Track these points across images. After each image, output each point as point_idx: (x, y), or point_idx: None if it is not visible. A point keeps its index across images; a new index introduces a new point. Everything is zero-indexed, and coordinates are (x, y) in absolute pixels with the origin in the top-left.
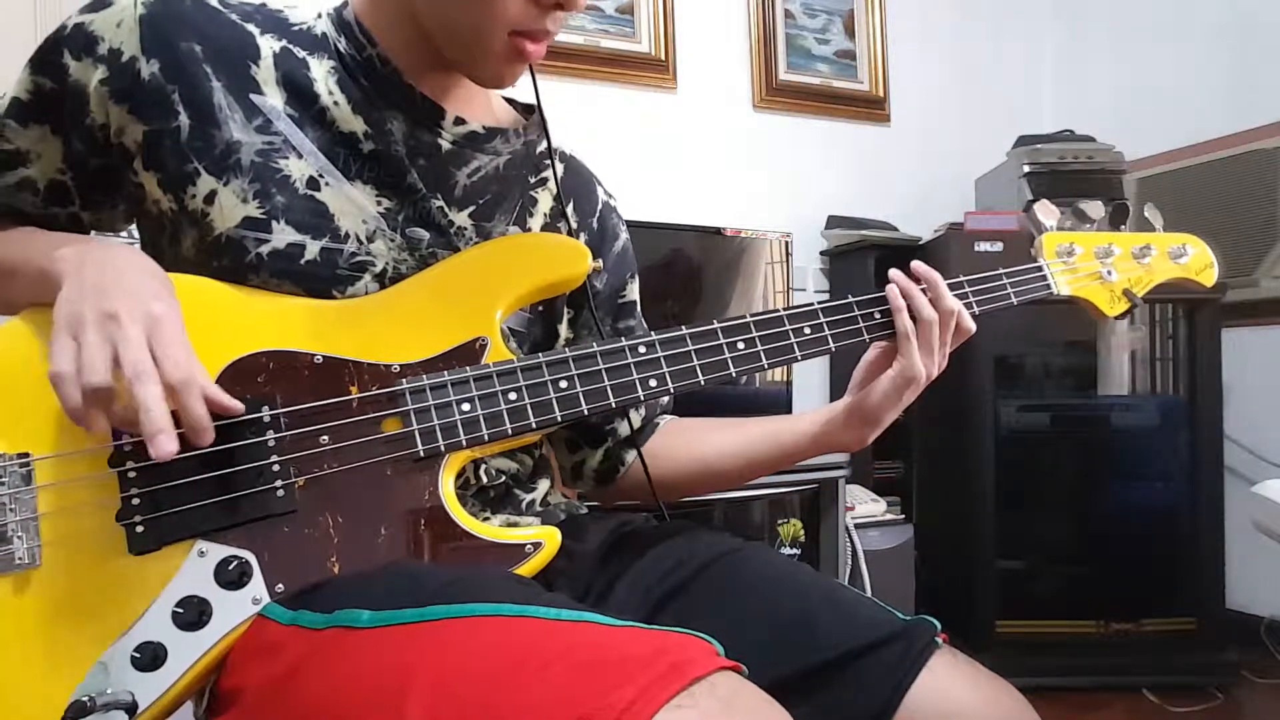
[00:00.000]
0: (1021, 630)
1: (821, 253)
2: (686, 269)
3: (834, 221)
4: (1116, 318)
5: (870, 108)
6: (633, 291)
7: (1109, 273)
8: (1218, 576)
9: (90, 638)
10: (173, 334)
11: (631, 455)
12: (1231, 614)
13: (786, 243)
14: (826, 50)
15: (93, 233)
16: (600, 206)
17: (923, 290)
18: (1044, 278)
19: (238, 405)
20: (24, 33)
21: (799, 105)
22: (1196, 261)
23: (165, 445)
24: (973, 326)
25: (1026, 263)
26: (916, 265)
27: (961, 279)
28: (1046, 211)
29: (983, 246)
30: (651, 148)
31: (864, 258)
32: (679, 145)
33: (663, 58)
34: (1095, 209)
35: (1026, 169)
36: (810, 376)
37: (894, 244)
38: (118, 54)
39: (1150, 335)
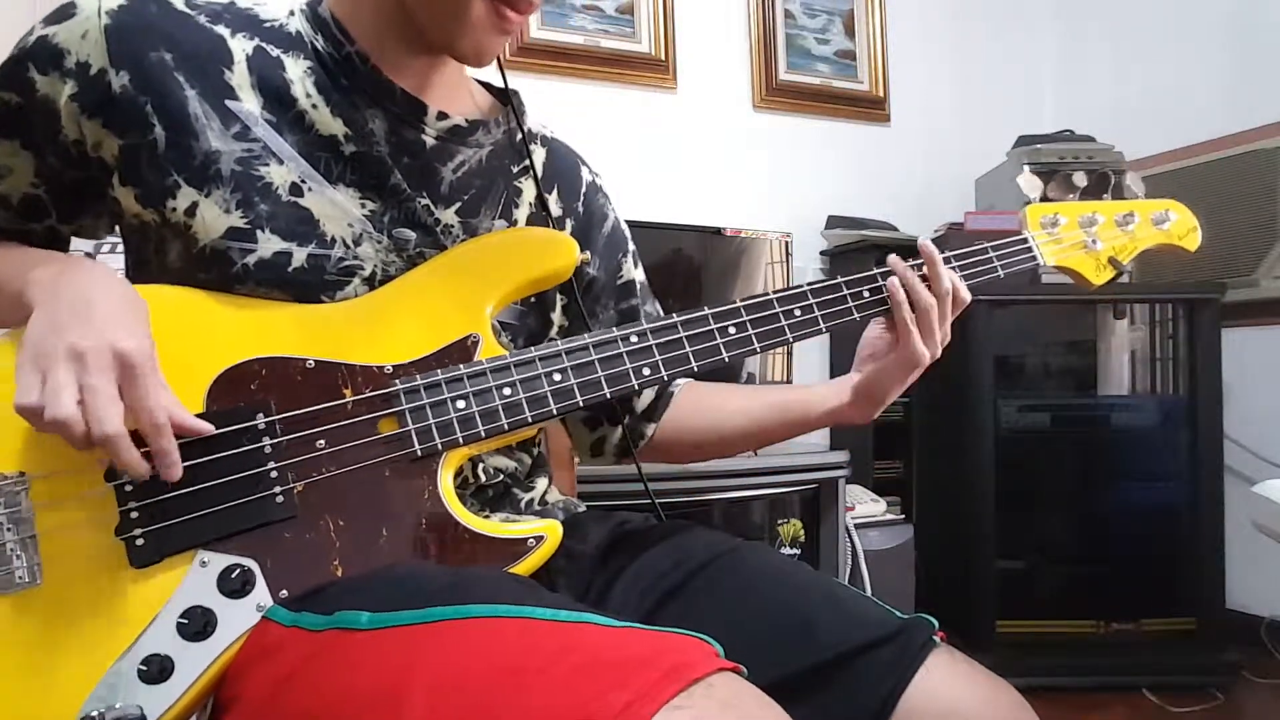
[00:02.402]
0: (1021, 630)
1: (821, 253)
2: (686, 269)
3: (834, 221)
4: (1103, 285)
5: (870, 108)
6: (630, 270)
7: (1094, 241)
8: (1218, 576)
9: (96, 653)
10: (141, 374)
11: (651, 429)
12: (1231, 614)
13: (786, 243)
14: (826, 50)
15: (74, 240)
16: (585, 187)
17: (921, 272)
18: (1029, 249)
19: (208, 428)
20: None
21: (799, 105)
22: (1179, 227)
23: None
24: (969, 296)
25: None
26: (922, 243)
27: (948, 254)
28: (1029, 184)
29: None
30: (651, 148)
31: (864, 258)
32: (679, 145)
33: (663, 58)
34: (1078, 179)
35: (1026, 169)
36: (810, 373)
37: (894, 244)
38: (85, 67)
39: (1150, 335)
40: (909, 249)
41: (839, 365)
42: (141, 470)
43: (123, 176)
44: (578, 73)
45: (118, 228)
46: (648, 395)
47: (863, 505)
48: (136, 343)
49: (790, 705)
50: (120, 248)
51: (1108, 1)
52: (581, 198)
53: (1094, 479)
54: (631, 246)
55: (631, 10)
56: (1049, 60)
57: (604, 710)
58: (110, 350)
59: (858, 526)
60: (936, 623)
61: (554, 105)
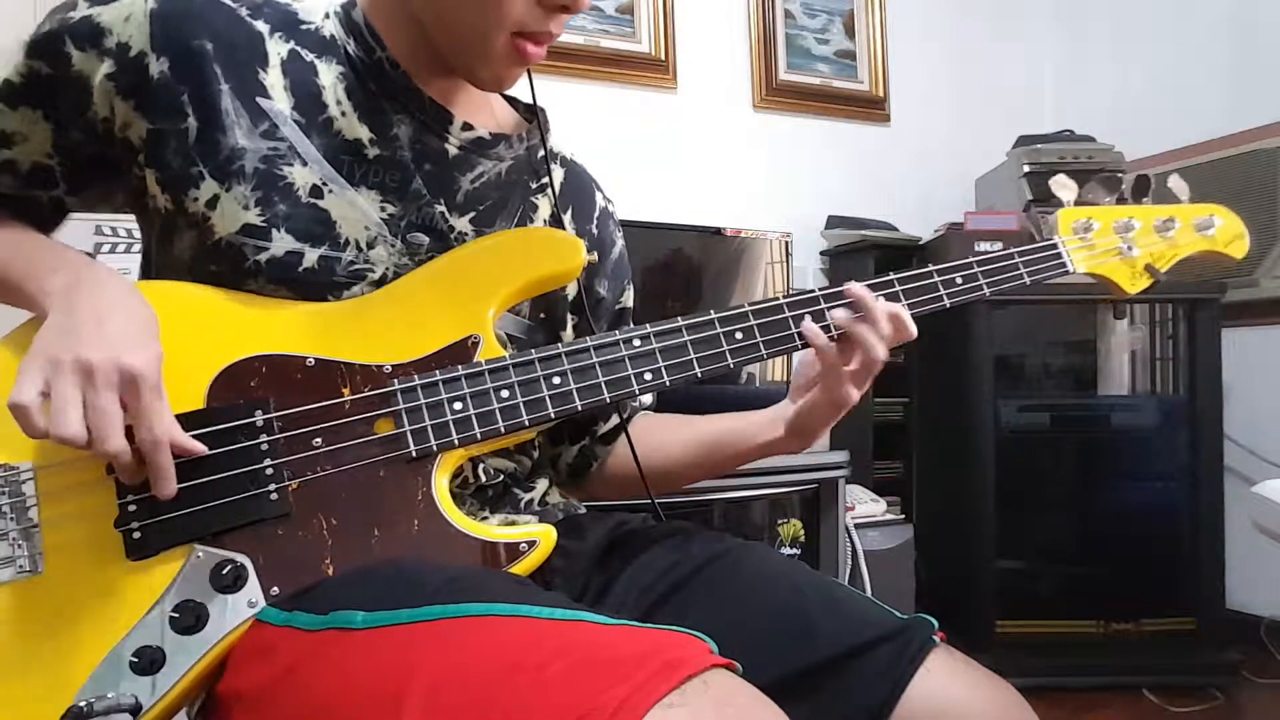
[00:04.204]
0: (1021, 630)
1: (821, 253)
2: (686, 269)
3: (834, 221)
4: (1138, 295)
5: (870, 108)
6: (629, 298)
7: (1129, 248)
8: (1218, 576)
9: (89, 643)
10: (145, 390)
11: (605, 451)
12: (1231, 614)
13: (786, 243)
14: (826, 50)
15: (73, 214)
16: (599, 212)
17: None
18: (1059, 256)
19: (201, 449)
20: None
21: (799, 105)
22: (1225, 233)
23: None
24: (914, 330)
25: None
26: (849, 288)
27: (970, 260)
28: (1062, 186)
29: (983, 246)
30: (651, 148)
31: (864, 258)
32: (679, 145)
33: (663, 58)
34: (1113, 183)
35: (1026, 169)
36: None
37: (894, 244)
38: (125, 48)
39: (1150, 335)
40: (909, 249)
41: None
42: (138, 481)
43: (148, 158)
44: (577, 73)
45: (132, 206)
46: (611, 421)
47: (863, 505)
48: (143, 359)
49: (789, 705)
50: (122, 247)
51: (1108, 1)
52: (595, 221)
53: (1094, 479)
54: (630, 273)
55: (631, 10)
56: (1049, 60)
57: (600, 707)
58: (117, 366)
59: (858, 526)
60: (936, 622)
61: (553, 105)
